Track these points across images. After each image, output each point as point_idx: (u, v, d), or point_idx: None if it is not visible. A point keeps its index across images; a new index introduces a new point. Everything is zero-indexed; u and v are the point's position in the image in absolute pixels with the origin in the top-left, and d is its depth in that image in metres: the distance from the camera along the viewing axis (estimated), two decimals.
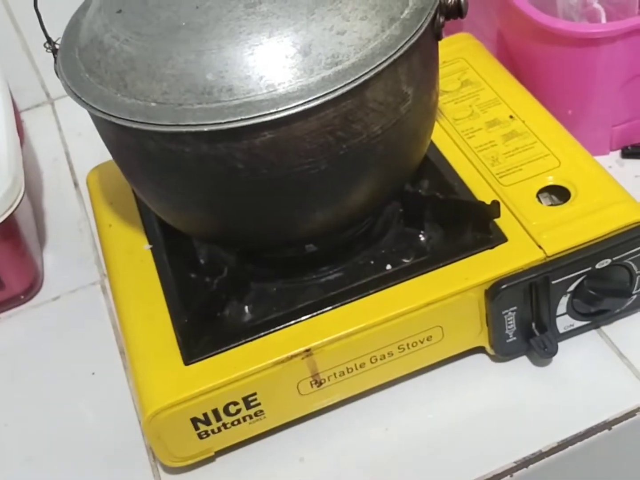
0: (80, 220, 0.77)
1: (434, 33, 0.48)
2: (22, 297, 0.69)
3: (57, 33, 0.52)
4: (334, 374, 0.53)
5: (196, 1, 0.45)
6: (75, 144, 0.86)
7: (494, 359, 0.57)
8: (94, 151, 0.70)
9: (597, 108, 0.67)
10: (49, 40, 0.50)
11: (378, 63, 0.43)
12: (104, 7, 0.48)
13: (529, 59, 0.69)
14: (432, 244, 0.56)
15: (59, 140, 0.87)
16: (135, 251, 0.59)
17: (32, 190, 0.80)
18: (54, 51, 0.50)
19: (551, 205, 0.56)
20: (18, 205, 0.64)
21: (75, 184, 0.81)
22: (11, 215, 0.63)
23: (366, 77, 0.43)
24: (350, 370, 0.53)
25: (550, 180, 0.57)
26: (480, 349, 0.56)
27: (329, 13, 0.43)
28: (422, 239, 0.57)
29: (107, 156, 0.61)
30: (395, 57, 0.43)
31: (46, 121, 0.90)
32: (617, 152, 0.70)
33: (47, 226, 0.77)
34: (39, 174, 0.84)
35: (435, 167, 0.59)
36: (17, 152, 0.67)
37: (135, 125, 0.43)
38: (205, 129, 0.42)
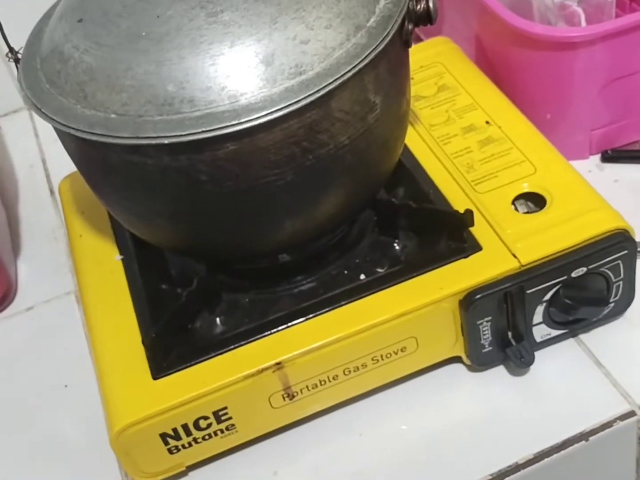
0: (56, 229, 0.76)
1: (403, 40, 0.47)
2: None
3: (21, 42, 0.51)
4: (307, 386, 0.52)
5: (157, 10, 0.44)
6: (52, 151, 0.85)
7: (471, 368, 0.56)
8: (70, 159, 0.69)
9: (576, 112, 0.66)
10: (10, 50, 0.49)
11: (343, 72, 0.42)
12: (65, 16, 0.47)
13: (507, 63, 0.68)
14: (406, 253, 0.55)
15: (35, 147, 0.86)
16: (106, 262, 0.58)
17: (7, 197, 0.79)
18: (16, 61, 0.49)
19: (527, 212, 0.55)
20: None
21: (51, 192, 0.80)
22: None
23: (331, 86, 0.42)
24: (323, 382, 0.52)
25: (526, 187, 0.56)
26: (456, 359, 0.56)
27: (292, 22, 0.42)
28: (397, 247, 0.56)
29: None
30: (360, 65, 0.42)
31: (23, 127, 0.89)
32: (597, 156, 0.69)
33: (21, 234, 0.76)
34: (14, 181, 0.82)
35: (410, 174, 0.58)
36: None
37: (95, 138, 0.42)
38: (166, 141, 0.41)
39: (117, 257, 0.58)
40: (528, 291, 0.51)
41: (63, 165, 0.76)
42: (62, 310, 0.68)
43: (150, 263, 0.57)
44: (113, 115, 0.43)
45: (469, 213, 0.52)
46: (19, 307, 0.69)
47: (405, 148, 0.59)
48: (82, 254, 0.60)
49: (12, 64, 0.86)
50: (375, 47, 0.43)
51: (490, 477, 0.50)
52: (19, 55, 0.50)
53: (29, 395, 0.62)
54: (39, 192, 0.80)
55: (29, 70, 0.48)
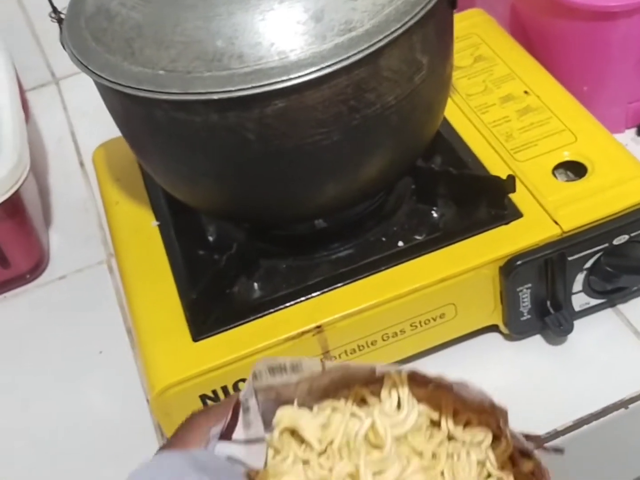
0: (86, 200, 0.76)
1: (449, 1, 0.47)
2: (28, 276, 0.68)
3: (62, 3, 0.51)
4: (345, 351, 0.51)
5: None
6: (81, 124, 0.85)
7: (508, 337, 0.56)
8: (99, 131, 0.70)
9: (613, 84, 0.66)
10: (54, 9, 0.49)
11: (392, 30, 0.42)
12: None
13: (543, 34, 0.68)
14: (445, 221, 0.55)
15: (64, 119, 0.86)
16: (143, 228, 0.58)
17: (38, 169, 0.79)
18: (59, 21, 0.49)
19: (567, 181, 0.55)
20: (23, 182, 0.63)
21: (81, 164, 0.80)
22: (16, 192, 0.62)
23: (380, 44, 0.42)
24: (361, 347, 0.52)
25: (566, 156, 0.55)
26: (493, 328, 0.55)
27: None
28: (435, 215, 0.56)
29: (113, 135, 0.60)
30: (410, 23, 0.42)
31: (51, 101, 0.89)
32: (633, 130, 0.68)
33: (52, 205, 0.76)
34: (44, 153, 0.83)
35: (448, 143, 0.58)
36: (22, 129, 0.67)
37: (142, 94, 0.42)
38: (215, 97, 0.41)
39: (154, 223, 0.58)
40: (569, 258, 0.51)
41: (92, 138, 0.77)
42: (94, 279, 0.68)
43: (187, 229, 0.57)
44: (161, 72, 0.42)
45: (510, 179, 0.52)
46: (52, 276, 0.69)
47: (443, 117, 0.58)
48: (118, 221, 0.60)
49: (41, 38, 0.87)
50: (425, 5, 0.43)
51: None
52: (62, 16, 0.49)
53: (64, 362, 0.62)
54: (68, 164, 0.80)
55: (73, 29, 0.48)
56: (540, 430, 0.51)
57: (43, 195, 0.77)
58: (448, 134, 0.59)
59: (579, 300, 0.54)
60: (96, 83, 0.46)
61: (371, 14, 0.42)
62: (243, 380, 0.50)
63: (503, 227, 0.52)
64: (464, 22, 0.69)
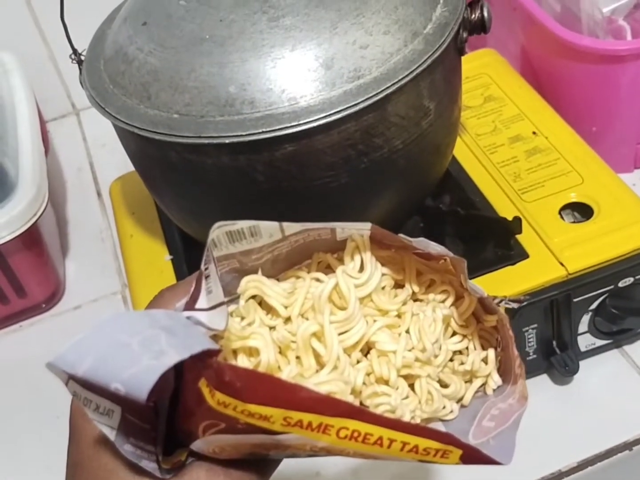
0: (103, 230, 0.77)
1: (457, 48, 0.48)
2: (44, 305, 0.70)
3: (82, 44, 0.52)
4: None
5: (220, 14, 0.45)
6: (99, 155, 0.87)
7: None
8: (117, 162, 0.71)
9: (621, 125, 0.67)
10: (74, 51, 0.51)
11: (400, 77, 0.43)
12: (129, 19, 0.48)
13: (553, 75, 0.69)
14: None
15: (83, 150, 0.88)
16: (156, 262, 0.60)
17: (56, 199, 0.80)
18: (79, 62, 0.51)
19: (574, 222, 0.56)
20: (42, 214, 0.64)
21: (99, 194, 0.82)
22: (34, 224, 0.64)
23: (388, 91, 0.43)
24: None
25: (573, 197, 0.56)
26: None
27: (352, 27, 0.43)
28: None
29: (130, 167, 0.61)
30: (417, 71, 0.43)
31: (71, 131, 0.91)
32: None
33: (69, 235, 0.78)
34: (63, 183, 0.84)
35: (456, 182, 0.59)
36: (41, 162, 0.68)
37: (157, 137, 0.44)
38: (227, 141, 0.42)
39: (167, 257, 0.59)
40: (575, 300, 0.52)
41: (110, 169, 0.78)
42: (109, 310, 0.69)
43: (199, 263, 0.58)
44: (176, 115, 0.44)
45: (517, 220, 0.52)
46: (67, 306, 0.70)
47: (452, 157, 0.60)
48: (132, 253, 0.61)
49: (62, 70, 0.89)
50: (432, 53, 0.44)
51: None
52: (82, 57, 0.51)
53: None
54: (86, 195, 0.82)
55: (92, 71, 0.49)
56: (545, 470, 0.51)
57: (61, 224, 0.78)
58: (457, 173, 0.60)
59: (585, 341, 0.55)
60: (113, 124, 0.47)
61: (379, 62, 0.43)
62: None
63: (509, 268, 0.53)
64: (475, 62, 0.70)
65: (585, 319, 0.53)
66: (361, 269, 0.33)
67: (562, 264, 0.52)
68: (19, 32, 0.86)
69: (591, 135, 0.65)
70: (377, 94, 0.42)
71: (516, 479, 0.51)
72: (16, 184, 0.64)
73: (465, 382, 0.35)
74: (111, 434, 0.28)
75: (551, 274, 0.52)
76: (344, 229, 0.33)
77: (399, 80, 0.43)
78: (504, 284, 0.52)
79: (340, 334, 0.32)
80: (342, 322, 0.32)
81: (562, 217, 0.56)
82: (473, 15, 0.48)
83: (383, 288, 0.34)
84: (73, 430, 0.32)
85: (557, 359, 0.54)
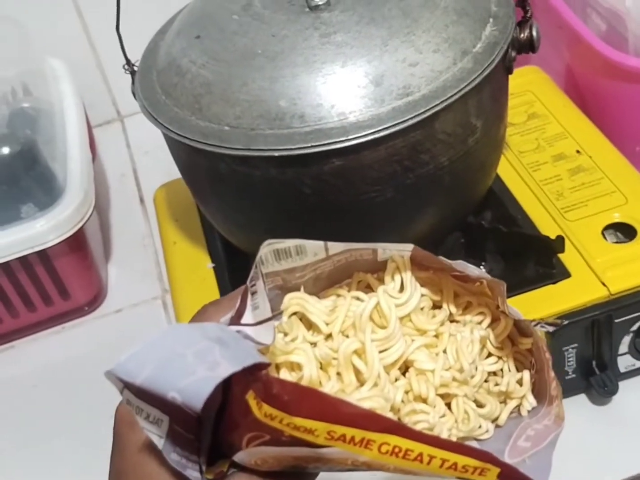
0: (145, 237, 0.78)
1: (506, 67, 0.48)
2: (86, 308, 0.71)
3: (134, 55, 0.54)
4: None
5: (273, 30, 0.46)
6: (143, 161, 0.88)
7: None
8: (160, 169, 0.72)
9: None
10: (128, 62, 0.52)
11: (449, 95, 0.43)
12: (182, 32, 0.49)
13: (598, 94, 0.68)
14: (493, 276, 0.56)
15: (127, 157, 0.90)
16: (198, 269, 0.60)
17: (100, 204, 0.82)
18: (132, 73, 0.52)
19: (616, 242, 0.56)
20: (88, 219, 0.65)
21: (141, 200, 0.83)
22: (81, 228, 0.65)
23: (436, 108, 0.43)
24: None
25: (617, 218, 0.56)
26: None
27: (402, 45, 0.44)
28: (483, 270, 0.57)
29: (174, 174, 0.62)
30: (466, 89, 0.44)
31: (116, 138, 0.92)
32: None
33: (112, 240, 0.79)
34: (106, 188, 0.86)
35: (499, 199, 0.59)
36: (89, 167, 0.70)
37: (208, 148, 0.45)
38: (276, 154, 0.43)
39: (209, 265, 0.60)
40: (616, 320, 0.52)
41: (153, 175, 0.80)
42: (149, 315, 0.70)
43: (240, 271, 0.59)
44: (226, 128, 0.45)
45: (559, 239, 0.52)
46: (109, 309, 0.72)
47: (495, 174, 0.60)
48: (175, 260, 0.62)
49: (108, 76, 0.91)
50: (481, 72, 0.44)
51: None
52: (135, 68, 0.52)
53: (114, 396, 0.64)
54: (129, 201, 0.83)
55: (145, 81, 0.50)
56: None
57: (104, 229, 0.80)
58: (499, 190, 0.60)
59: (625, 362, 0.54)
60: (164, 134, 0.48)
61: (429, 80, 0.44)
62: None
63: (551, 286, 0.53)
64: (519, 79, 0.70)
65: (626, 340, 0.53)
66: (401, 289, 0.34)
67: (604, 284, 0.52)
68: (69, 39, 0.87)
69: (635, 155, 0.64)
70: (425, 111, 0.43)
71: None
72: (64, 188, 0.66)
73: (500, 402, 0.35)
74: (159, 443, 0.29)
75: (593, 294, 0.52)
76: (385, 249, 0.34)
77: (448, 98, 0.43)
78: (545, 302, 0.52)
79: (380, 352, 0.32)
80: (382, 341, 0.32)
81: (605, 237, 0.56)
82: (522, 35, 0.48)
83: (422, 309, 0.35)
84: (118, 438, 0.33)
85: (596, 379, 0.54)
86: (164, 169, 0.68)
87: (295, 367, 0.32)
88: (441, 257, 0.34)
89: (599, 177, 0.59)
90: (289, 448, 0.28)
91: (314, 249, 0.33)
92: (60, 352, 0.69)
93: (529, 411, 0.35)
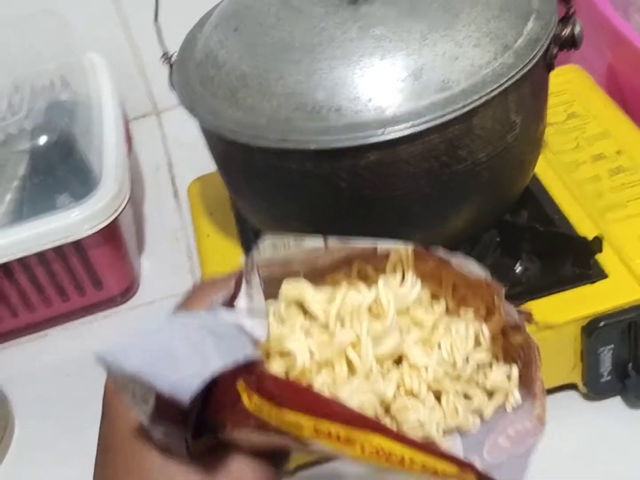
0: (178, 230, 0.79)
1: (547, 63, 0.47)
2: (119, 299, 0.71)
3: (171, 48, 0.54)
4: None
5: (310, 23, 0.46)
6: (178, 155, 0.89)
7: (586, 397, 0.55)
8: (194, 163, 0.73)
9: None
10: (165, 54, 0.52)
11: (488, 90, 0.43)
12: (220, 25, 0.49)
13: None
14: (528, 276, 0.55)
15: (162, 150, 0.90)
16: (231, 262, 0.60)
17: (135, 197, 0.82)
18: (170, 65, 0.52)
19: None
20: (122, 211, 0.66)
21: (175, 194, 0.83)
22: (115, 219, 0.66)
23: (476, 103, 0.43)
24: None
25: None
26: (572, 386, 0.55)
27: (442, 39, 0.44)
28: (518, 269, 0.56)
29: (208, 168, 0.63)
30: (506, 85, 0.43)
31: (151, 131, 0.93)
32: None
33: (145, 233, 0.80)
34: (141, 181, 0.86)
35: (535, 198, 0.58)
36: (124, 160, 0.70)
37: (243, 140, 0.45)
38: (312, 146, 0.43)
39: (242, 258, 0.60)
40: None
41: (188, 169, 0.80)
42: None
43: None
44: (262, 120, 0.45)
45: (597, 240, 0.52)
46: (141, 300, 0.72)
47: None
48: (208, 253, 0.62)
49: (145, 70, 0.92)
50: (522, 68, 0.44)
51: None
52: (172, 60, 0.52)
53: None
54: (163, 194, 0.84)
55: (182, 73, 0.50)
56: None
57: (137, 221, 0.80)
58: (536, 189, 0.59)
59: None
60: (201, 126, 0.48)
61: (468, 75, 0.43)
62: None
63: (587, 287, 0.52)
64: (559, 78, 0.69)
65: None
66: (401, 281, 0.34)
67: None
68: (108, 34, 0.88)
69: None
70: (464, 106, 0.42)
71: None
72: (99, 180, 0.66)
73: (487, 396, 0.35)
74: (145, 419, 0.29)
75: (630, 295, 0.51)
76: (385, 246, 0.34)
77: (487, 94, 0.43)
78: (581, 303, 0.51)
79: (375, 343, 0.32)
80: (378, 333, 0.32)
81: None
82: (564, 31, 0.47)
83: (421, 302, 0.34)
84: (107, 409, 0.33)
85: (632, 382, 0.53)
86: (198, 163, 0.69)
87: (287, 353, 0.32)
88: (441, 250, 0.33)
89: (639, 178, 0.58)
90: (273, 436, 0.29)
91: (313, 243, 0.33)
92: (93, 342, 0.69)
93: (513, 407, 0.34)
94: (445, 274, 0.35)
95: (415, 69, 0.43)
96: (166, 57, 0.52)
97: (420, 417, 0.32)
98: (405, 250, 0.34)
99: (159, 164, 0.88)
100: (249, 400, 0.28)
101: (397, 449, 0.28)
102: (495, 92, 0.43)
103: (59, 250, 0.65)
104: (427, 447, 0.28)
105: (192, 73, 0.50)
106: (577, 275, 0.53)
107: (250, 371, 0.29)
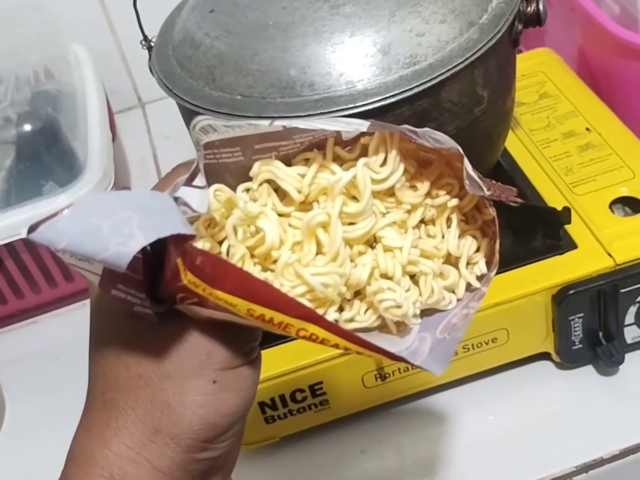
0: None
1: (512, 39, 0.49)
2: None
3: (151, 32, 0.55)
4: (399, 369, 0.54)
5: (284, 2, 0.47)
6: (163, 146, 0.90)
7: (559, 366, 0.57)
8: (179, 153, 0.74)
9: None
10: (145, 37, 0.54)
11: (455, 64, 0.44)
12: (197, 7, 0.51)
13: (610, 75, 0.69)
14: (501, 249, 0.57)
15: (147, 142, 0.92)
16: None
17: (120, 188, 0.84)
18: (149, 48, 0.54)
19: (624, 216, 0.56)
20: None
21: None
22: None
23: (443, 77, 0.44)
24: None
25: (624, 192, 0.57)
26: (545, 356, 0.57)
27: (410, 15, 0.45)
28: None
29: (192, 157, 0.64)
30: (472, 59, 0.45)
31: (136, 124, 0.95)
32: None
33: None
34: (127, 173, 0.88)
35: (508, 175, 0.60)
36: (108, 147, 0.71)
37: (221, 117, 0.46)
38: None
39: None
40: (622, 290, 0.52)
41: (173, 160, 0.80)
42: None
43: None
44: (238, 97, 0.46)
45: (566, 210, 0.53)
46: None
47: (505, 150, 0.61)
48: None
49: (130, 64, 0.93)
50: (487, 42, 0.45)
51: (574, 469, 0.51)
52: (152, 44, 0.54)
53: None
54: (149, 185, 0.84)
55: (161, 55, 0.52)
56: (587, 457, 0.52)
57: None
58: (509, 166, 0.61)
59: (631, 333, 0.55)
60: (179, 105, 0.50)
61: (435, 49, 0.45)
62: (300, 390, 0.53)
63: (557, 257, 0.54)
64: (532, 60, 0.71)
65: (632, 310, 0.54)
66: (383, 163, 0.33)
67: (610, 255, 0.53)
68: (92, 27, 0.89)
69: None
70: (431, 79, 0.44)
71: (557, 464, 0.52)
72: (84, 167, 0.68)
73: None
74: (95, 279, 0.29)
75: (599, 264, 0.52)
76: (346, 128, 0.33)
77: (454, 67, 0.44)
78: (552, 272, 0.53)
79: (348, 224, 0.32)
80: (352, 215, 0.32)
81: (612, 211, 0.56)
82: (529, 8, 0.49)
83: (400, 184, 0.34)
84: (91, 313, 0.33)
85: (603, 350, 0.54)
86: (182, 153, 0.70)
87: (259, 230, 0.32)
88: (406, 126, 0.33)
89: (607, 153, 0.60)
90: (216, 312, 0.29)
91: (264, 122, 0.32)
92: (82, 327, 0.70)
93: (477, 276, 0.35)
94: (424, 154, 0.35)
95: (384, 45, 0.45)
96: (145, 41, 0.54)
97: (397, 298, 0.32)
98: (390, 133, 0.33)
99: (145, 155, 0.90)
100: (185, 276, 0.28)
101: (331, 337, 0.29)
102: (462, 66, 0.44)
103: None
104: (360, 340, 0.29)
105: (170, 55, 0.51)
106: (548, 247, 0.55)
107: (181, 248, 0.28)
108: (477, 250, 0.36)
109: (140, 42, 0.54)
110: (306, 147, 0.34)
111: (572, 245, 0.54)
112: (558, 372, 0.57)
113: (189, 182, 0.31)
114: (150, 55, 0.53)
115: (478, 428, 0.55)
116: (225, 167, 0.34)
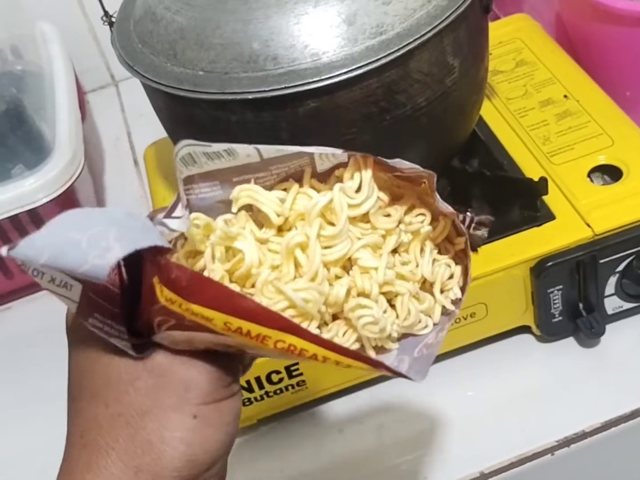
0: (139, 198, 0.79)
1: (483, 5, 0.48)
2: None
3: (115, 8, 0.54)
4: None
5: None
6: (137, 124, 0.88)
7: (540, 339, 0.56)
8: (154, 131, 0.72)
9: None
10: (106, 13, 0.52)
11: (423, 32, 0.43)
12: None
13: (587, 40, 0.68)
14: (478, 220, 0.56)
15: (121, 120, 0.90)
16: None
17: (95, 168, 0.82)
18: (111, 24, 0.52)
19: (603, 184, 0.55)
20: (77, 178, 0.66)
21: (135, 162, 0.83)
22: (70, 187, 0.65)
23: (410, 46, 0.43)
24: None
25: (602, 160, 0.56)
26: (525, 329, 0.56)
27: None
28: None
29: (165, 134, 0.62)
30: (440, 27, 0.43)
31: (110, 102, 0.93)
32: None
33: (107, 203, 0.79)
34: (101, 152, 0.86)
35: (485, 146, 0.59)
36: (78, 128, 0.70)
37: (183, 93, 0.45)
38: (250, 96, 0.43)
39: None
40: (601, 261, 0.51)
41: (147, 137, 0.79)
42: None
43: None
44: (201, 72, 0.45)
45: (543, 181, 0.52)
46: None
47: (481, 120, 0.59)
48: None
49: (101, 42, 0.91)
50: (456, 9, 0.44)
51: (556, 443, 0.51)
52: (113, 19, 0.52)
53: None
54: (123, 163, 0.84)
55: (122, 31, 0.50)
56: (569, 430, 0.51)
57: (98, 192, 0.80)
58: (486, 136, 0.60)
59: (612, 304, 0.54)
60: (142, 83, 0.48)
61: (402, 18, 0.43)
62: (276, 372, 0.52)
63: (535, 229, 0.53)
64: (509, 27, 0.69)
65: (612, 281, 0.53)
66: (358, 189, 0.34)
67: (588, 225, 0.51)
68: (61, 4, 0.87)
69: (625, 100, 0.64)
70: (399, 49, 0.43)
71: (539, 438, 0.51)
72: (53, 148, 0.66)
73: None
74: (72, 306, 0.29)
75: (577, 234, 0.51)
76: (322, 157, 0.34)
77: (422, 36, 0.43)
78: (530, 244, 0.52)
79: (324, 247, 0.33)
80: (329, 238, 0.33)
81: (591, 180, 0.55)
82: None
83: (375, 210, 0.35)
84: (69, 337, 0.33)
85: (583, 321, 0.54)
86: (157, 131, 0.68)
87: (236, 252, 0.33)
88: (379, 158, 0.34)
89: (585, 120, 0.59)
90: (193, 333, 0.29)
91: (245, 151, 0.33)
92: (56, 314, 0.69)
93: (452, 300, 0.36)
94: (397, 183, 0.36)
95: (349, 15, 0.43)
96: (106, 16, 0.52)
97: (374, 314, 0.33)
98: (364, 158, 0.34)
99: (119, 134, 0.88)
100: (161, 293, 0.29)
101: (309, 347, 0.28)
102: (430, 34, 0.43)
103: (15, 220, 0.65)
104: (339, 348, 0.29)
105: (131, 31, 0.50)
106: (526, 218, 0.53)
107: (157, 262, 0.29)
108: (451, 277, 0.37)
109: (101, 17, 0.52)
110: (282, 178, 0.34)
111: (550, 216, 0.53)
112: (538, 345, 0.56)
113: (168, 215, 0.32)
114: (112, 31, 0.52)
115: (458, 405, 0.54)
116: (204, 203, 0.34)
